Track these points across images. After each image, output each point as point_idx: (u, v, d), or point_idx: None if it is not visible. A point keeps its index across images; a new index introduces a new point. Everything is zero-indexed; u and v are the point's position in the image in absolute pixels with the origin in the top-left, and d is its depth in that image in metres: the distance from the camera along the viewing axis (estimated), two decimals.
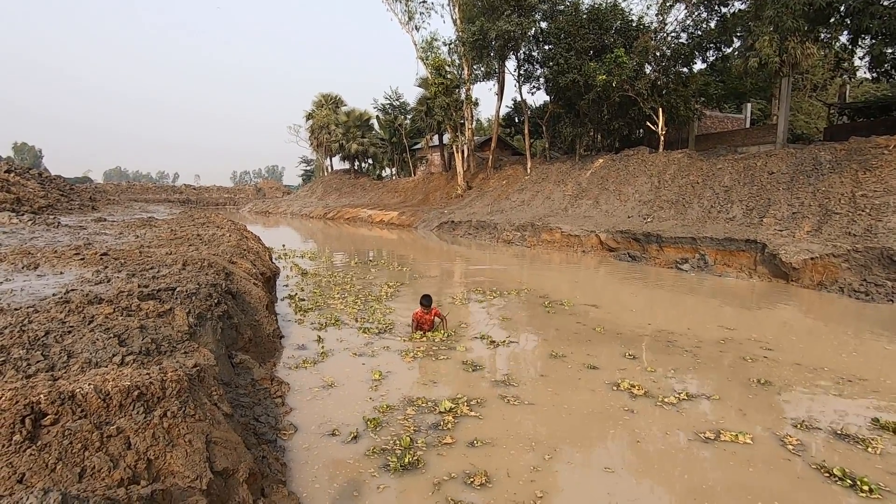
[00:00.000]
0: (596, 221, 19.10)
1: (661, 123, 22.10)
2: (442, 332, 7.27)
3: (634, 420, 4.71)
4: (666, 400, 5.09)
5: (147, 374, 2.93)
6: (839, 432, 4.47)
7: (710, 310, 9.54)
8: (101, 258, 6.75)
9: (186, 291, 5.05)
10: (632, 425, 4.62)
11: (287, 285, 11.40)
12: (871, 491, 3.54)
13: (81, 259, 6.66)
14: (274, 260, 14.06)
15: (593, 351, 6.75)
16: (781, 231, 13.46)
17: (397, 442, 4.17)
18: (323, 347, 6.77)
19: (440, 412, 4.74)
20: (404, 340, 7.04)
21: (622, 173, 21.59)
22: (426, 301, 7.24)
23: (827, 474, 3.78)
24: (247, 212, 52.81)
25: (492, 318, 8.85)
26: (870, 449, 4.18)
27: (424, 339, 7.06)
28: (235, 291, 6.50)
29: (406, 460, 3.83)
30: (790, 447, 4.18)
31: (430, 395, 5.22)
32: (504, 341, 7.17)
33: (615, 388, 5.45)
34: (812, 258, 11.61)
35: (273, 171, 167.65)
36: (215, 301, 5.25)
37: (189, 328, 4.32)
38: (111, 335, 3.51)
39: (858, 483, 3.61)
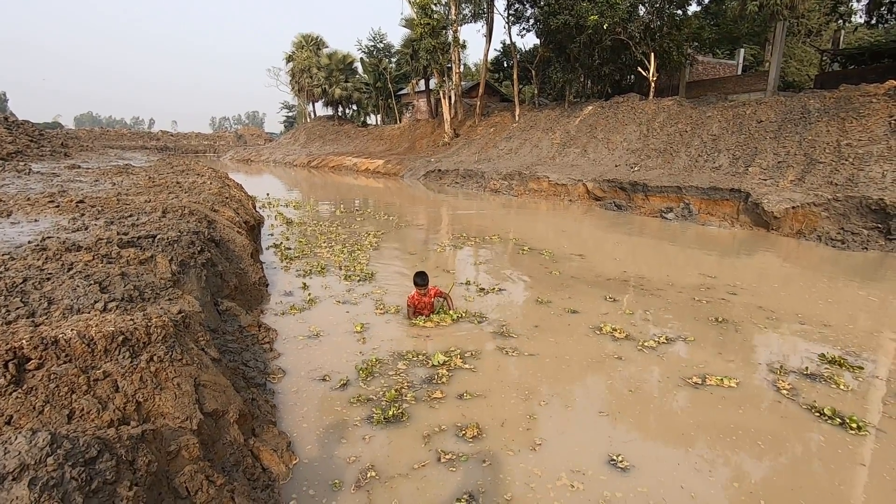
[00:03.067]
0: (583, 170, 18.99)
1: (652, 69, 21.58)
2: (450, 313, 5.94)
3: (624, 366, 4.81)
4: (646, 344, 5.27)
5: (131, 319, 2.92)
6: (812, 373, 4.70)
7: (691, 258, 9.72)
8: (77, 205, 6.55)
9: (168, 239, 4.96)
10: (622, 371, 4.72)
11: (272, 234, 11.30)
12: (859, 429, 3.72)
13: (56, 206, 6.46)
14: (258, 209, 13.84)
15: (579, 298, 6.89)
16: (766, 180, 13.55)
17: (385, 393, 4.15)
18: (309, 294, 6.80)
19: (433, 365, 4.69)
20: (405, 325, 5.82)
21: (611, 121, 21.28)
22: (421, 279, 5.79)
23: (817, 413, 3.94)
24: (228, 160, 51.38)
25: (478, 266, 8.92)
26: (842, 387, 4.41)
27: (429, 323, 5.76)
28: (219, 239, 6.41)
29: (390, 413, 3.81)
30: (784, 391, 4.31)
31: (420, 345, 5.25)
32: (493, 289, 7.26)
33: (598, 332, 5.62)
34: (793, 207, 11.78)
35: (253, 118, 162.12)
36: (198, 248, 5.18)
37: (172, 275, 4.28)
38: (92, 282, 3.46)
39: (847, 421, 3.79)
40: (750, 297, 7.05)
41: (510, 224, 13.72)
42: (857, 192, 11.29)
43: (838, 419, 3.84)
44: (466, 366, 4.74)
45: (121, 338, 2.68)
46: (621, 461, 3.33)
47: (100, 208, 6.44)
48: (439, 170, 25.68)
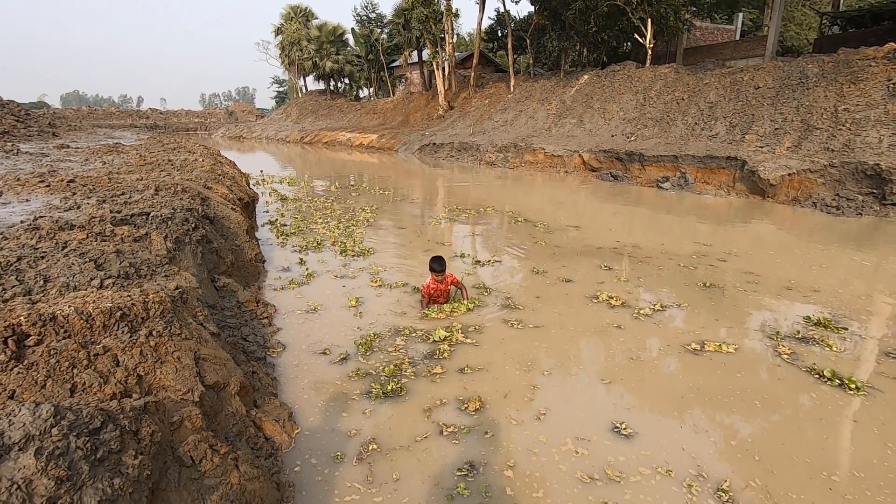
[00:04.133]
0: (579, 141, 18.83)
1: (649, 35, 21.16)
2: (465, 303, 5.48)
3: (624, 334, 4.84)
4: (642, 312, 5.32)
5: (128, 295, 2.93)
6: (805, 336, 4.78)
7: (687, 227, 9.75)
8: (69, 185, 6.49)
9: (161, 216, 4.94)
10: (622, 339, 4.75)
11: (267, 211, 11.24)
12: (857, 389, 3.79)
13: (47, 186, 6.40)
14: (252, 186, 13.74)
15: (574, 268, 6.93)
16: (762, 148, 13.48)
17: (384, 368, 4.13)
18: (307, 269, 6.81)
19: (433, 341, 4.65)
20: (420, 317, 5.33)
21: (607, 90, 20.98)
22: (438, 265, 5.29)
23: (817, 376, 4.01)
24: (219, 137, 50.66)
25: (474, 238, 8.93)
26: (835, 349, 4.50)
27: (442, 314, 5.29)
28: (213, 216, 6.38)
29: (389, 388, 3.80)
30: (784, 356, 4.37)
31: (419, 320, 5.26)
32: (489, 261, 7.29)
33: (594, 300, 5.67)
34: (789, 174, 11.76)
35: (244, 94, 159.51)
36: (192, 225, 5.16)
37: (168, 252, 4.27)
38: (87, 259, 3.45)
39: (846, 382, 3.86)
40: (744, 263, 7.11)
41: (506, 196, 13.67)
42: (853, 157, 11.26)
43: (837, 380, 3.92)
44: (469, 340, 4.69)
45: (119, 313, 2.70)
46: (625, 428, 3.36)
47: (91, 187, 6.38)
48: (434, 143, 25.42)
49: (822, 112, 13.08)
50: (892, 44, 13.16)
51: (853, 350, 4.55)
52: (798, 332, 4.86)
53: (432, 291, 5.45)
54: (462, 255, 7.55)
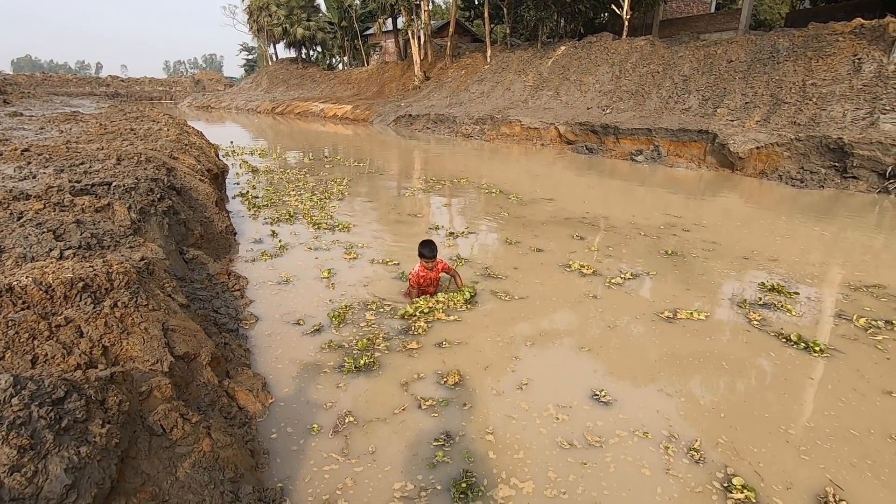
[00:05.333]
0: (556, 113, 18.79)
1: (626, 7, 21.02)
2: (465, 291, 4.90)
3: (600, 304, 4.93)
4: (614, 281, 5.44)
5: (91, 266, 2.83)
6: (766, 302, 4.98)
7: (658, 199, 9.91)
8: (23, 154, 6.17)
9: (125, 186, 4.75)
10: (599, 308, 4.83)
11: (238, 183, 10.95)
12: (822, 351, 4.00)
13: None
14: (221, 157, 13.32)
15: (547, 238, 7.00)
16: (733, 121, 13.71)
17: (357, 341, 4.07)
18: (280, 241, 6.70)
19: (401, 316, 4.56)
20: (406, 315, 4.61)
21: (584, 62, 20.88)
22: (428, 250, 4.70)
23: (784, 340, 4.20)
24: (186, 107, 48.65)
25: (449, 210, 8.91)
26: (794, 313, 4.71)
27: (432, 302, 4.72)
28: (180, 187, 6.18)
29: (362, 362, 3.76)
30: (755, 322, 4.53)
31: (394, 291, 5.26)
32: (463, 232, 7.30)
33: (567, 269, 5.77)
34: (758, 147, 12.02)
35: (211, 61, 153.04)
36: (158, 196, 4.99)
37: (132, 223, 4.14)
38: (45, 230, 3.32)
39: (811, 345, 4.06)
40: (709, 234, 7.31)
41: (482, 169, 13.61)
42: (818, 131, 11.56)
43: (803, 343, 4.12)
44: (449, 318, 4.58)
45: (80, 284, 2.61)
46: (604, 395, 3.44)
47: (48, 156, 6.09)
48: (410, 115, 24.99)
49: (790, 86, 13.33)
50: (860, 19, 13.40)
51: (811, 314, 4.78)
52: (760, 298, 5.06)
53: (421, 280, 4.87)
54: (437, 227, 7.53)
